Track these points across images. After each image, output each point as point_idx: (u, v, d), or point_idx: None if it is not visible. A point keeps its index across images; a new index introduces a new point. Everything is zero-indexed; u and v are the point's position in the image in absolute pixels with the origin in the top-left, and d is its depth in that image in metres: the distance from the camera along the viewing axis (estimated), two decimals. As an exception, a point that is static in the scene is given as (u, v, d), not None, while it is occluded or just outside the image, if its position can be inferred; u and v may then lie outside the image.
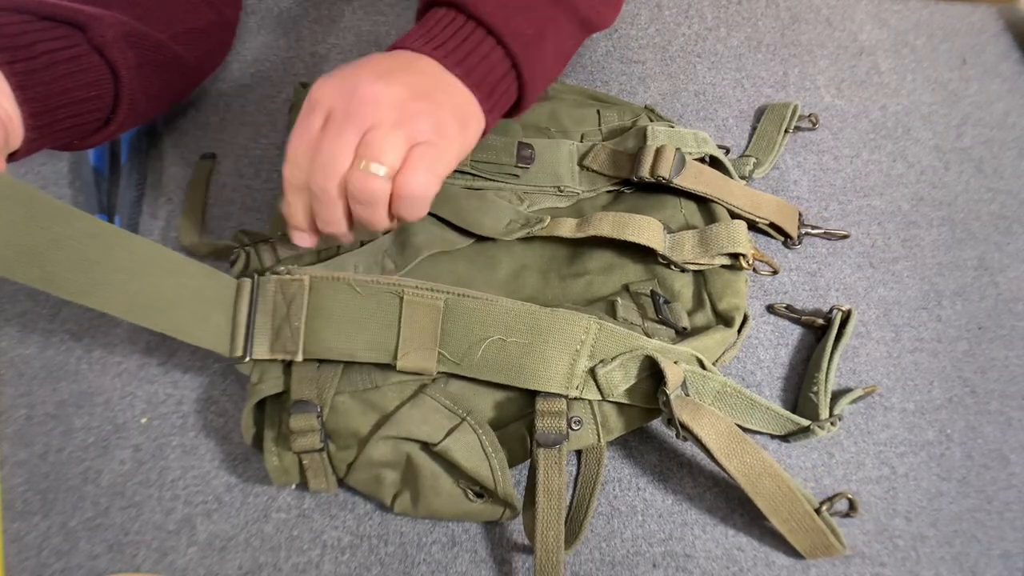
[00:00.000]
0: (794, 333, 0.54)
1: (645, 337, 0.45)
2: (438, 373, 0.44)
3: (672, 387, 0.42)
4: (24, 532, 0.46)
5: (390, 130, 0.37)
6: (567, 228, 0.51)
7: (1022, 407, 0.53)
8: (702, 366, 0.46)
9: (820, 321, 0.53)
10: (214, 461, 0.48)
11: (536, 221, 0.51)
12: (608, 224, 0.51)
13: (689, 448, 0.50)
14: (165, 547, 0.46)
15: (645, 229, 0.51)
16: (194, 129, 0.61)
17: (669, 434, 0.50)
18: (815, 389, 0.49)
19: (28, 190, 0.36)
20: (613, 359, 0.44)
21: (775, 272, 0.55)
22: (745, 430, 0.47)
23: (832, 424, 0.48)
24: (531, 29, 0.43)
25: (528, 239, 0.52)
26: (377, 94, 0.37)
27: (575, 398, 0.44)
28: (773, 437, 0.50)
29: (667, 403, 0.42)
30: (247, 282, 0.44)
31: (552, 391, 0.43)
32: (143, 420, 0.49)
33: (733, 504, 0.48)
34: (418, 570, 0.45)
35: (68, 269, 0.38)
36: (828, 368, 0.50)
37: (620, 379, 0.44)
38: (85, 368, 0.50)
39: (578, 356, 0.43)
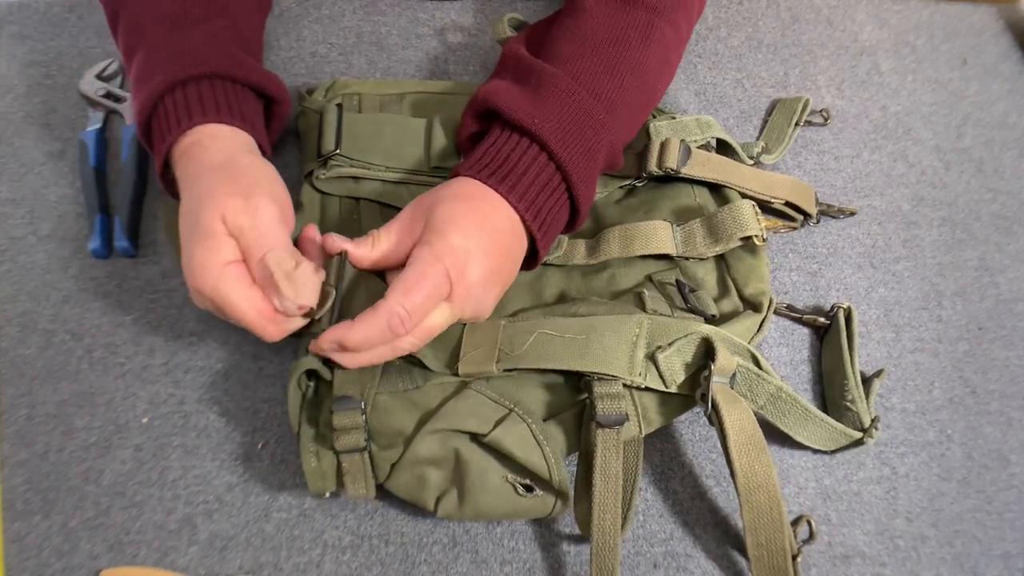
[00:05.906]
0: (795, 333, 0.54)
1: (700, 322, 0.45)
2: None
3: (720, 369, 0.42)
4: (25, 532, 0.46)
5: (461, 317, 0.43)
6: (579, 255, 0.52)
7: (1022, 407, 0.53)
8: (758, 365, 0.45)
9: (822, 320, 0.53)
10: (215, 461, 0.48)
11: (555, 245, 0.52)
12: (616, 244, 0.51)
13: (690, 449, 0.50)
14: (166, 547, 0.46)
15: (652, 237, 0.51)
16: (195, 129, 0.60)
17: (670, 434, 0.50)
18: (849, 398, 0.49)
19: None
20: (670, 344, 0.44)
21: (794, 228, 0.57)
22: (783, 443, 0.47)
23: (876, 429, 0.47)
24: (591, 191, 0.48)
25: None
26: (485, 306, 0.43)
27: (634, 387, 0.44)
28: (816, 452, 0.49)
29: (707, 377, 0.42)
30: None
31: (615, 374, 0.43)
32: (144, 420, 0.49)
33: (734, 504, 0.48)
34: (419, 570, 0.45)
35: None
36: (856, 374, 0.50)
37: (679, 366, 0.44)
38: (86, 368, 0.50)
39: (636, 346, 0.44)
